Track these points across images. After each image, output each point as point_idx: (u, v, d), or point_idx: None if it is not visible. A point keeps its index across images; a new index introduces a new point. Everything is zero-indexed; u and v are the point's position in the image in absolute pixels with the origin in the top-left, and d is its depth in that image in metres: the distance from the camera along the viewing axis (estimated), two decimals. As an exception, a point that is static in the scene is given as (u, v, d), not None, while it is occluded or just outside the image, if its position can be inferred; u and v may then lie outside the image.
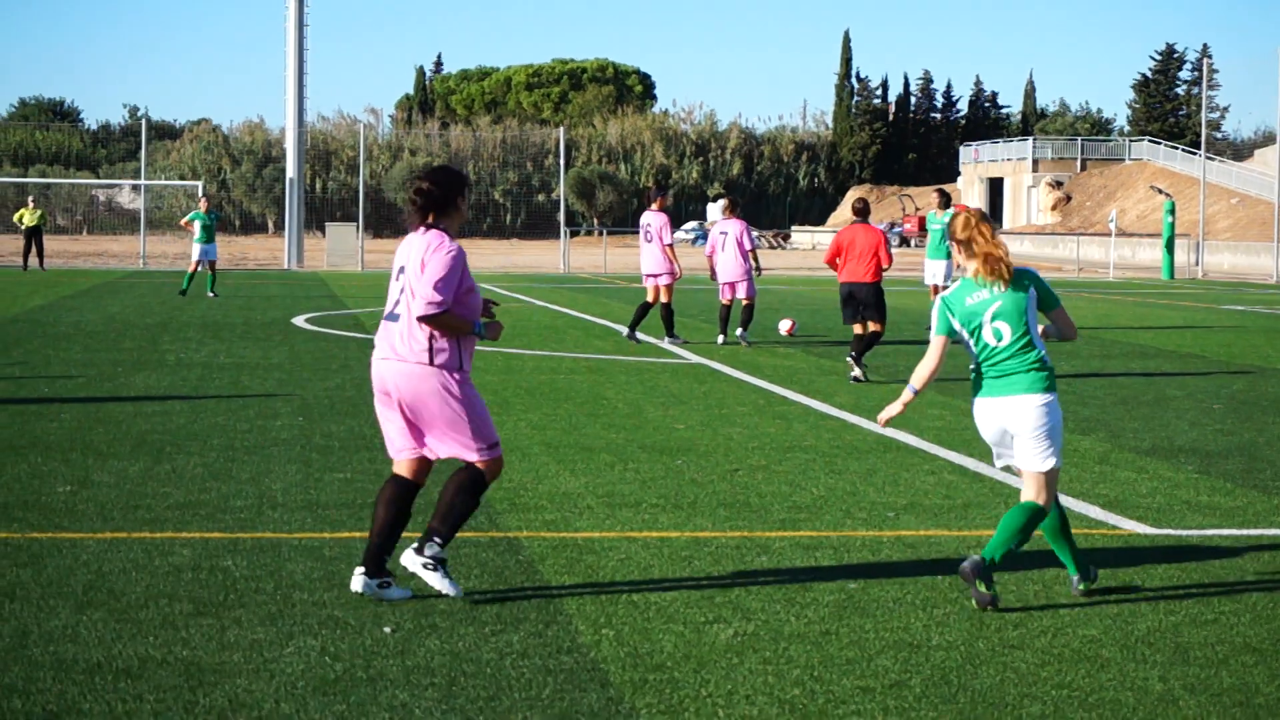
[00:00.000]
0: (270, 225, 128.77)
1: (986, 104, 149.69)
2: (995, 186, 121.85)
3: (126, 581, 9.40)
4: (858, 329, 21.77)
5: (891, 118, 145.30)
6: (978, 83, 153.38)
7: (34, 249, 57.37)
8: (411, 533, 9.94)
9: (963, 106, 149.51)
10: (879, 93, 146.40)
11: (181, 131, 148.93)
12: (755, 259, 27.12)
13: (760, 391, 20.03)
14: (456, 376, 9.13)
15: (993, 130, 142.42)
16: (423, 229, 9.30)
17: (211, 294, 40.61)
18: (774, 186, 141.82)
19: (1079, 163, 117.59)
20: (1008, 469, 9.71)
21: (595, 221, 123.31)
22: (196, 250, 40.89)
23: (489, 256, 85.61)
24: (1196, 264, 72.36)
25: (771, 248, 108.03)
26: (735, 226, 26.94)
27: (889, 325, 31.14)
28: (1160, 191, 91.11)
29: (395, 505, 9.22)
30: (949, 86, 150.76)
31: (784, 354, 25.39)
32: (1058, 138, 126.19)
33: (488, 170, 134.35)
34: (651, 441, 15.45)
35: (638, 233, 27.39)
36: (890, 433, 16.17)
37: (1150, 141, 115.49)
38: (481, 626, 8.51)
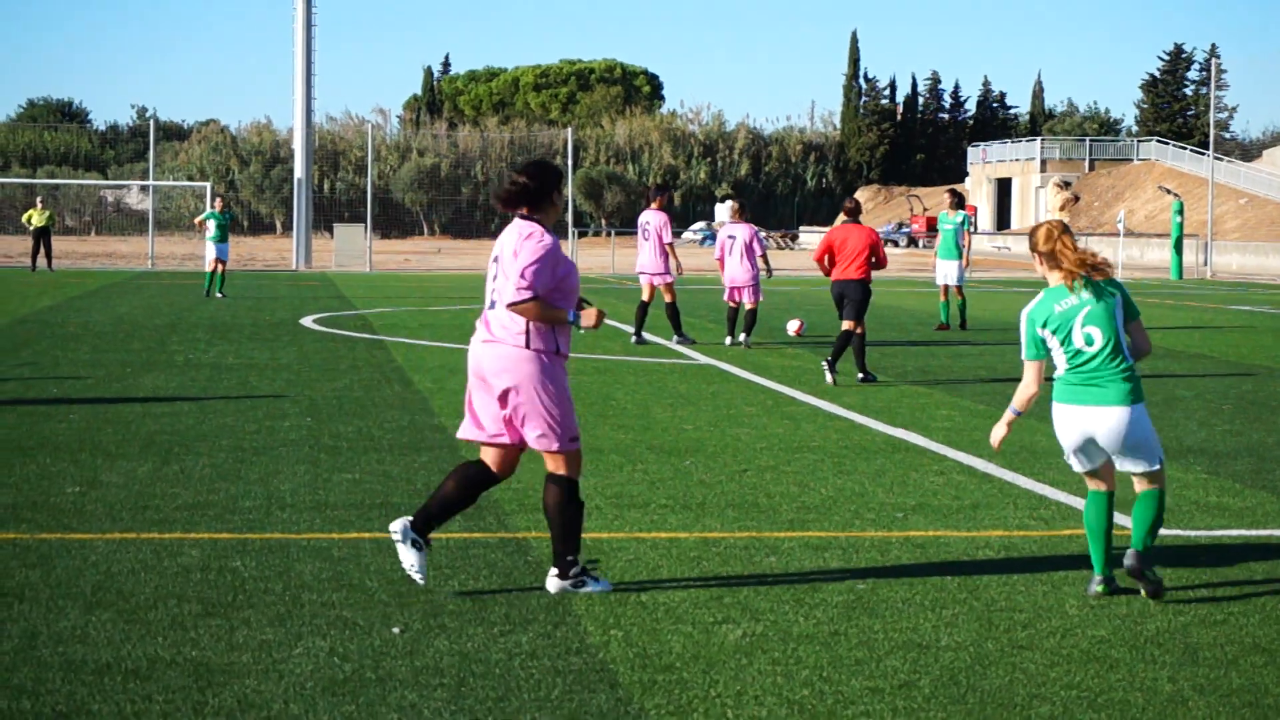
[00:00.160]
0: (278, 226, 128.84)
1: (994, 104, 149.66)
2: (1003, 187, 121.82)
3: (135, 582, 9.40)
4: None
5: (899, 118, 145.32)
6: (986, 83, 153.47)
7: (42, 250, 57.42)
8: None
9: (971, 107, 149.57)
10: (887, 93, 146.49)
11: (190, 132, 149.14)
12: (766, 263, 27.07)
13: (768, 392, 20.02)
14: (552, 361, 9.32)
15: (1001, 130, 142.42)
16: (517, 220, 9.45)
17: (220, 294, 40.63)
18: (782, 187, 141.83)
19: (1087, 163, 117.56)
20: (1092, 474, 9.64)
21: (603, 222, 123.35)
22: (212, 250, 40.96)
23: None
24: (1205, 264, 72.31)
25: (779, 248, 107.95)
26: (744, 231, 26.88)
27: (895, 325, 31.06)
28: (1168, 192, 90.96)
29: (466, 486, 9.43)
30: (957, 87, 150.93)
31: (792, 354, 25.38)
32: (1066, 138, 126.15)
33: (495, 171, 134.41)
34: (660, 442, 15.45)
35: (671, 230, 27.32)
36: (899, 433, 16.17)
37: (1158, 142, 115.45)
38: (490, 627, 8.51)
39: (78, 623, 8.47)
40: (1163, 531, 11.46)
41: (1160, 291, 53.26)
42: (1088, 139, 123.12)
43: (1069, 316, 9.44)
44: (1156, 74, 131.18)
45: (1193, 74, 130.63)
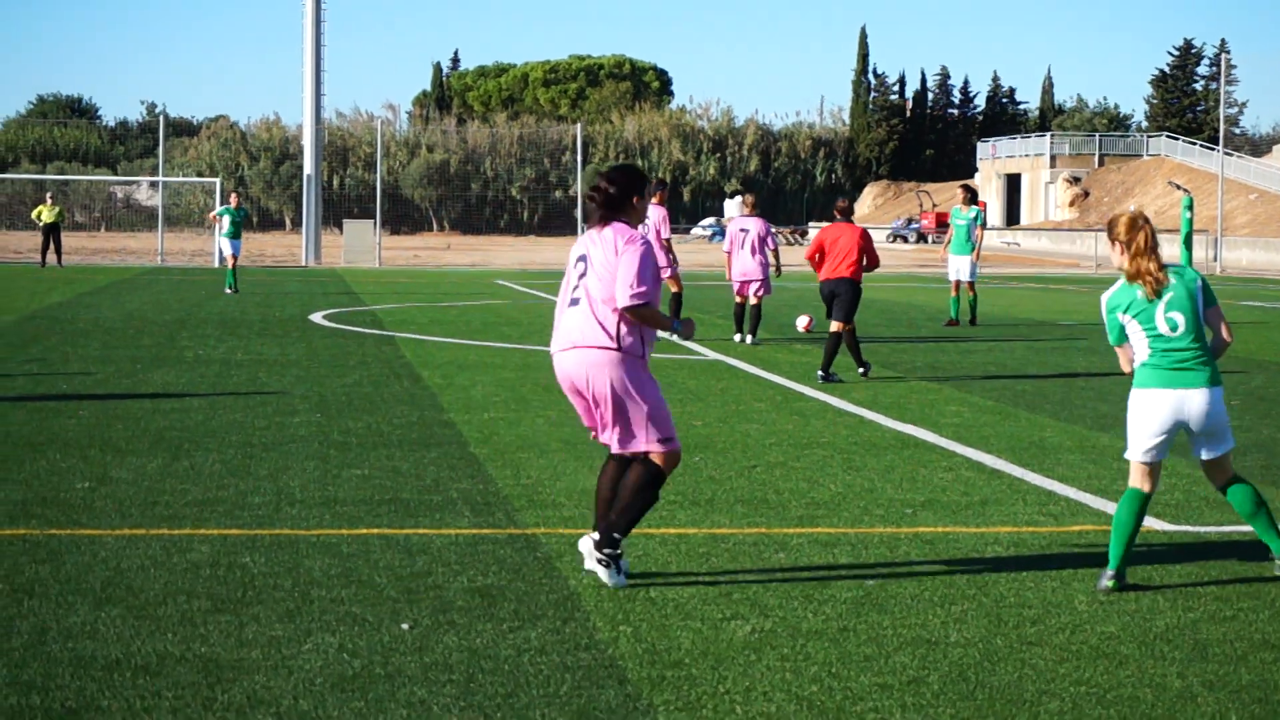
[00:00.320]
0: (288, 222, 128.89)
1: (1004, 100, 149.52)
2: (1012, 182, 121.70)
3: (145, 578, 9.41)
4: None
5: (909, 114, 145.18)
6: (995, 78, 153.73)
7: (52, 245, 57.52)
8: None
9: (980, 102, 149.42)
10: (896, 89, 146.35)
11: (199, 128, 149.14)
12: (777, 258, 27.06)
13: (777, 388, 20.02)
14: (639, 363, 9.39)
15: (1010, 126, 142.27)
16: (602, 224, 9.56)
17: (228, 290, 40.66)
18: (791, 183, 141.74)
19: (1097, 158, 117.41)
20: (1151, 469, 9.63)
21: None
22: (227, 245, 41.03)
23: (506, 253, 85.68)
24: (1215, 260, 72.26)
25: (789, 244, 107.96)
26: (756, 225, 26.85)
27: (905, 321, 31.06)
28: (1178, 187, 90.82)
29: (615, 483, 9.58)
30: (966, 82, 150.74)
31: (801, 350, 25.38)
32: (1075, 133, 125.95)
33: (504, 166, 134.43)
34: (669, 438, 15.42)
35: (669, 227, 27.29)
36: (908, 429, 16.18)
37: (1168, 137, 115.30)
38: (499, 623, 8.51)
39: (87, 618, 8.48)
40: (1171, 527, 11.46)
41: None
42: (1097, 134, 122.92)
43: (1150, 302, 9.45)
44: (1166, 69, 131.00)
45: (1202, 69, 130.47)
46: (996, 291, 45.92)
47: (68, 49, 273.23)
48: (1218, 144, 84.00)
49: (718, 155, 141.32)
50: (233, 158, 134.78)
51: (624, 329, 9.36)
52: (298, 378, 20.37)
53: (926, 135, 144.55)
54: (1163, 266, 9.55)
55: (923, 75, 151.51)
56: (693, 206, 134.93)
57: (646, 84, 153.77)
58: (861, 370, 21.09)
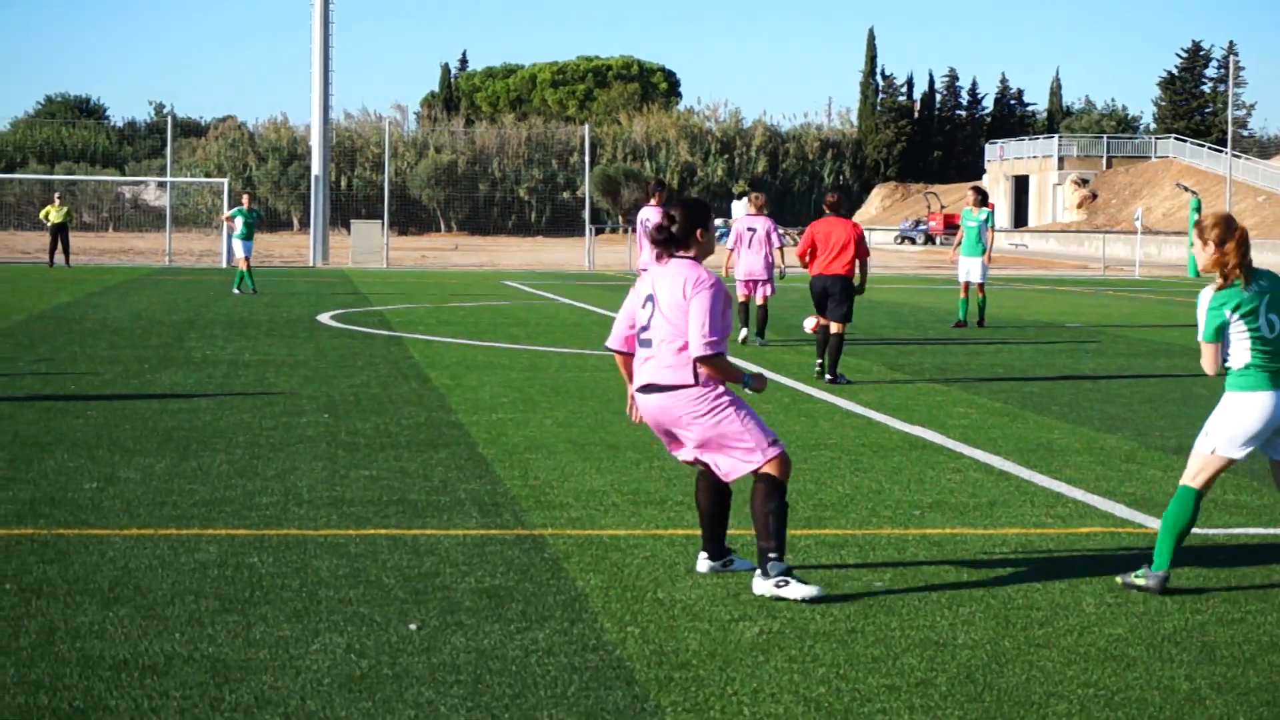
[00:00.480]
0: (295, 222, 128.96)
1: (1012, 101, 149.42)
2: (1020, 184, 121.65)
3: (153, 578, 9.42)
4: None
5: (916, 115, 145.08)
6: (1003, 80, 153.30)
7: (60, 246, 57.57)
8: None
9: (988, 104, 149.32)
10: (904, 90, 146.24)
11: (207, 129, 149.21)
12: (782, 258, 27.03)
13: (785, 389, 20.02)
14: (721, 389, 9.36)
15: (1018, 128, 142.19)
16: (668, 260, 9.51)
17: (237, 290, 40.66)
18: (799, 184, 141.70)
19: (1105, 160, 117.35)
20: (1223, 470, 9.67)
21: (620, 219, 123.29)
22: (240, 247, 41.00)
23: (514, 254, 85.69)
24: (1223, 262, 72.06)
25: (795, 244, 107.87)
26: (763, 224, 26.83)
27: (913, 323, 31.06)
28: (1186, 189, 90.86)
29: (713, 494, 9.64)
30: (974, 84, 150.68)
31: (808, 351, 25.36)
32: (1083, 135, 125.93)
33: (512, 168, 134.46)
34: (676, 439, 15.43)
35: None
36: (916, 431, 16.17)
37: (1176, 139, 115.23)
38: (507, 624, 8.51)
39: (95, 618, 8.49)
40: (1180, 529, 11.45)
41: (1178, 289, 53.16)
42: (1105, 136, 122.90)
43: (1255, 301, 9.46)
44: (1174, 71, 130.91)
45: (1211, 71, 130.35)
46: (1004, 293, 45.90)
47: (76, 49, 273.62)
48: (1226, 146, 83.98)
49: (725, 156, 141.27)
50: (240, 158, 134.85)
51: (703, 370, 9.32)
52: (305, 378, 20.37)
53: (934, 137, 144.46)
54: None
55: (931, 77, 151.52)
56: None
57: (654, 85, 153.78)
58: (830, 378, 20.79)
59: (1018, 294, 46.66)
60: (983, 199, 32.33)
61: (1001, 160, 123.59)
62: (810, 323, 28.92)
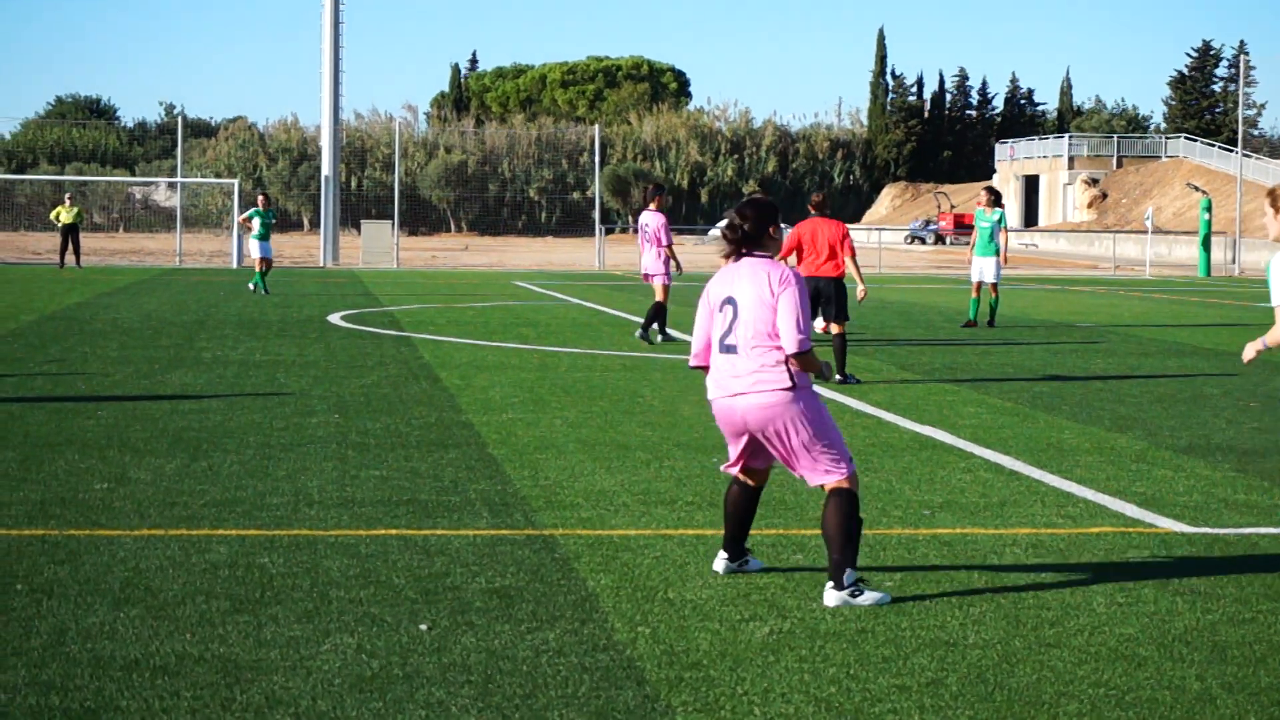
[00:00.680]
0: (305, 223, 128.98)
1: (1022, 101, 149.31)
2: (1031, 184, 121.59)
3: (163, 578, 9.42)
4: (825, 327, 21.42)
5: (927, 115, 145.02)
6: (1013, 79, 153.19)
7: (70, 246, 57.65)
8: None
9: (998, 103, 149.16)
10: (914, 90, 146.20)
11: (217, 129, 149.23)
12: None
13: (795, 389, 19.97)
14: (813, 393, 9.37)
15: (1028, 127, 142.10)
16: (755, 260, 9.43)
17: (264, 290, 40.57)
18: (809, 184, 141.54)
19: (1115, 160, 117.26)
20: None
21: (630, 219, 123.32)
22: (256, 248, 41.01)
23: (524, 254, 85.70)
24: (1233, 262, 72.13)
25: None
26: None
27: (923, 323, 31.08)
28: (1196, 189, 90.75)
29: (743, 502, 9.64)
30: (984, 83, 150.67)
31: (818, 352, 25.34)
32: (1094, 135, 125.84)
33: (522, 168, 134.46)
34: (687, 439, 15.45)
35: (673, 230, 27.09)
36: (926, 431, 16.16)
37: (1186, 138, 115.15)
38: (517, 624, 8.51)
39: (106, 619, 8.49)
40: (1190, 529, 11.44)
41: (1188, 289, 53.14)
42: (1116, 136, 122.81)
43: None
44: (1185, 70, 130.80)
45: (1221, 70, 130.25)
46: (1015, 293, 45.88)
47: (86, 50, 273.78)
48: (1236, 145, 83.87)
49: (735, 156, 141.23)
50: (251, 159, 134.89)
51: (792, 365, 9.30)
52: (316, 379, 20.39)
53: (944, 136, 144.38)
54: None
55: (941, 76, 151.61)
56: (710, 208, 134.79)
57: (664, 85, 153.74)
58: (839, 378, 20.68)
59: (1028, 294, 46.64)
60: (995, 199, 32.29)
61: (1012, 160, 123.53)
62: (820, 322, 28.97)
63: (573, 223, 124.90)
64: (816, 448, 9.27)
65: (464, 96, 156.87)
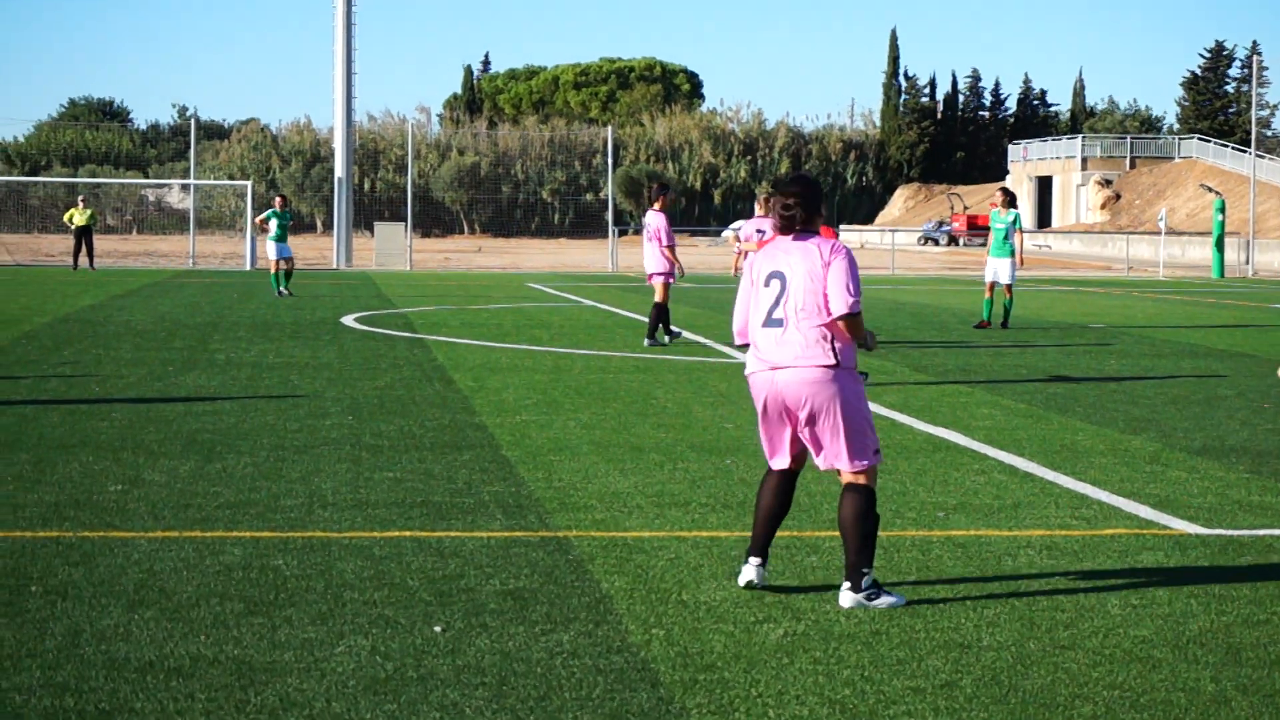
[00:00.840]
0: (319, 225, 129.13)
1: (1035, 102, 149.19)
2: (1044, 185, 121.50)
3: (178, 580, 9.43)
4: None
5: (939, 116, 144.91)
6: (1026, 80, 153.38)
7: (84, 248, 57.74)
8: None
9: (1011, 104, 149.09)
10: (927, 91, 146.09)
11: (230, 131, 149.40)
12: None
13: (809, 391, 19.96)
14: (854, 375, 9.30)
15: (1041, 128, 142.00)
16: (793, 236, 9.42)
17: (287, 292, 40.56)
18: (822, 185, 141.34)
19: (1128, 161, 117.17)
20: None
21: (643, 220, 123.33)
22: (273, 249, 41.00)
23: (537, 256, 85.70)
24: (1247, 263, 72.03)
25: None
26: (775, 225, 26.63)
27: (936, 324, 31.02)
28: (1210, 190, 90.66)
29: (779, 494, 9.48)
30: (997, 84, 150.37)
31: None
32: (1107, 136, 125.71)
33: (535, 169, 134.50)
34: (700, 441, 15.44)
35: (686, 232, 27.09)
36: (940, 432, 16.15)
37: (1200, 139, 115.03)
38: (532, 626, 8.51)
39: (120, 621, 8.50)
40: (1204, 531, 11.43)
41: (1202, 290, 53.08)
42: (1129, 137, 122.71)
43: None
44: (1198, 71, 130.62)
45: (1234, 71, 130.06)
46: (1028, 294, 45.85)
47: (99, 52, 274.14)
48: (1249, 146, 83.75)
49: (748, 158, 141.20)
50: (264, 161, 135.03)
51: (839, 344, 9.20)
52: (329, 380, 20.39)
53: (957, 137, 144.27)
54: None
55: (954, 77, 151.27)
56: (723, 209, 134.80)
57: (677, 86, 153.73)
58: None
59: (1041, 295, 46.61)
60: (1010, 200, 32.24)
61: (1025, 161, 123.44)
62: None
63: (586, 224, 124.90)
64: (850, 432, 9.21)
65: (477, 98, 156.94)
